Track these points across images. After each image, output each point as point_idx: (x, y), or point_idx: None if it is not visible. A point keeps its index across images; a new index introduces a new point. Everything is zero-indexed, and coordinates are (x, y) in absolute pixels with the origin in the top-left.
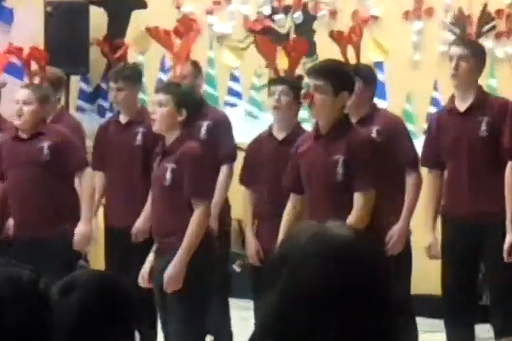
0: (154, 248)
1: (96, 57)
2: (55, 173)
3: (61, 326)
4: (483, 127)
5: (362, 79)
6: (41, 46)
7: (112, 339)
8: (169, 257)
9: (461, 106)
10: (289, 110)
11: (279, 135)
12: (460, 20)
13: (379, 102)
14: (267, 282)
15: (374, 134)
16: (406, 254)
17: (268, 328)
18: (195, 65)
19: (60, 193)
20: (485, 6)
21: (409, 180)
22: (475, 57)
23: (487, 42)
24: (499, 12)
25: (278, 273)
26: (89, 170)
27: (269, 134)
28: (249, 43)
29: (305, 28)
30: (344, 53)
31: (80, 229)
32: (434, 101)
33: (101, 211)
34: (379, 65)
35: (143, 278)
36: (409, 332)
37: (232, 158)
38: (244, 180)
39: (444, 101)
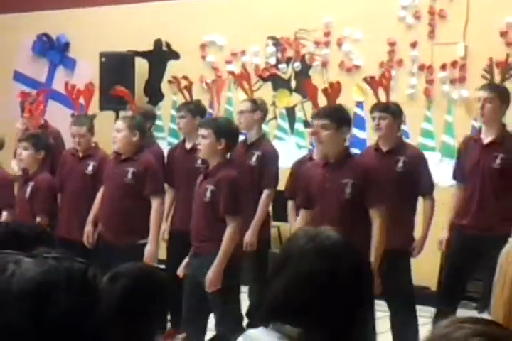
0: (192, 251)
1: (139, 97)
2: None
3: (108, 308)
4: (498, 161)
5: (391, 114)
6: (96, 88)
7: (148, 320)
8: (202, 258)
9: (485, 139)
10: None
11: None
12: (490, 68)
13: (360, 133)
14: (271, 274)
15: (401, 164)
16: (406, 251)
17: (275, 307)
18: (254, 102)
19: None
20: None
21: (427, 204)
22: (499, 99)
23: (445, 87)
24: (454, 63)
25: (282, 266)
26: (162, 198)
27: (309, 159)
28: (259, 86)
29: (303, 75)
30: (376, 94)
31: (148, 249)
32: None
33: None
34: (360, 103)
35: (180, 271)
36: (410, 320)
37: (274, 185)
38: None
39: (410, 132)
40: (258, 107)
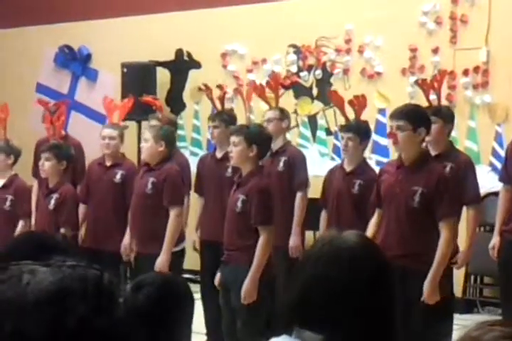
0: (223, 258)
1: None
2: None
3: (132, 316)
4: None
5: (442, 118)
6: (118, 99)
7: (172, 329)
8: (232, 268)
9: None
10: (355, 151)
11: (348, 168)
12: None
13: (382, 140)
14: (292, 277)
15: (447, 170)
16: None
17: (291, 310)
18: (282, 110)
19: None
20: None
21: (471, 213)
22: None
23: (467, 92)
24: (476, 68)
25: (301, 269)
26: (179, 209)
27: (340, 167)
28: (280, 94)
29: (324, 83)
30: (428, 97)
31: (160, 259)
32: None
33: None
34: (382, 110)
35: (217, 283)
36: (446, 329)
37: (305, 186)
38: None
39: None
40: (286, 116)
